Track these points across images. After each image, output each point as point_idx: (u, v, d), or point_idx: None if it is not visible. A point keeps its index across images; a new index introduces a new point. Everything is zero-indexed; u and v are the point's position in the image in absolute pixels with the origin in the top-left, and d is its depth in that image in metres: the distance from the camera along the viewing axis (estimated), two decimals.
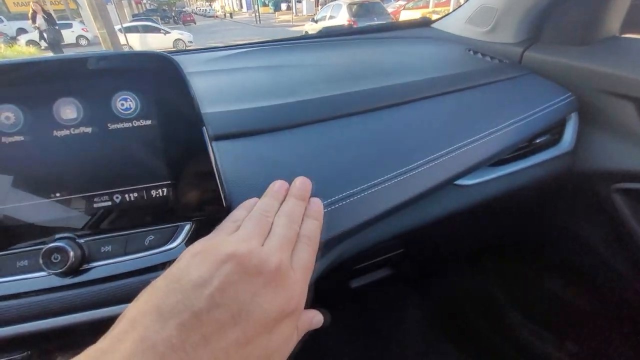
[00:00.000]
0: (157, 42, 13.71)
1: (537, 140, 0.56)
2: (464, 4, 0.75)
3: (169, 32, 14.25)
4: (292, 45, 0.73)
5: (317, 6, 25.20)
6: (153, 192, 0.30)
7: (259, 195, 0.33)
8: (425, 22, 0.85)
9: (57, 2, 21.50)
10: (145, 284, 0.27)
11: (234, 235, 0.26)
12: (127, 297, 0.30)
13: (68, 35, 16.15)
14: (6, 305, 0.28)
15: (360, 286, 0.60)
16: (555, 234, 0.71)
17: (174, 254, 0.30)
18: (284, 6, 34.23)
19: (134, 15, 25.45)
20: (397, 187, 0.40)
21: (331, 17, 9.18)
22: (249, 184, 0.36)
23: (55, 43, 8.61)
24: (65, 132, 0.29)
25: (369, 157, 0.41)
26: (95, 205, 0.29)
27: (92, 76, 0.29)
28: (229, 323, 0.20)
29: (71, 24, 16.74)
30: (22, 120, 0.28)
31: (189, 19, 29.85)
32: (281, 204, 0.31)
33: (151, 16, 23.07)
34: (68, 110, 0.29)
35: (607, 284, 0.66)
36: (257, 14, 25.35)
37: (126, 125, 0.29)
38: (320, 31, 0.86)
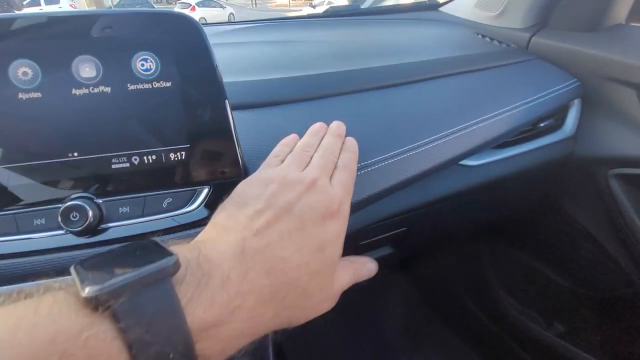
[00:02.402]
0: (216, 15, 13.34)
1: (541, 125, 0.57)
2: None
3: (224, 8, 13.81)
4: (300, 23, 0.72)
5: None
6: (171, 155, 0.30)
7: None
8: (432, 6, 0.85)
9: None
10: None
11: (277, 167, 0.30)
12: None
13: (54, 11, 15.50)
14: (22, 262, 0.28)
15: None
16: (551, 217, 0.73)
17: (192, 216, 0.31)
18: None
19: None
20: (406, 162, 0.40)
21: (329, 2, 9.02)
22: (265, 153, 0.36)
23: None
24: (84, 90, 0.28)
25: (380, 132, 0.42)
26: (113, 167, 0.29)
27: (112, 34, 0.28)
28: (285, 215, 0.24)
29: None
30: (40, 76, 0.27)
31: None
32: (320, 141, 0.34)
33: None
34: (87, 69, 0.28)
35: (600, 267, 0.68)
36: None
37: (146, 86, 0.29)
38: (326, 11, 0.84)
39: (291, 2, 24.98)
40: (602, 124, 0.58)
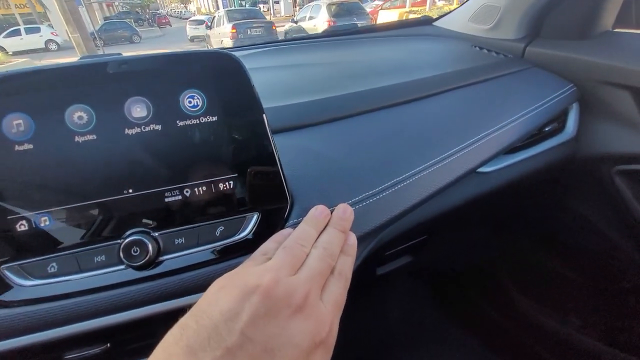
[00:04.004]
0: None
1: (545, 129, 0.61)
2: (465, 2, 0.79)
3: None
4: (304, 45, 0.75)
5: (295, 7, 25.19)
6: (221, 185, 0.32)
7: (306, 187, 0.35)
8: (426, 21, 0.89)
9: (22, 6, 20.51)
10: (219, 272, 0.28)
11: (262, 265, 0.25)
12: (202, 287, 0.31)
13: (36, 40, 15.46)
14: (86, 300, 0.29)
15: (384, 273, 0.63)
16: (560, 214, 0.76)
17: (245, 243, 0.32)
18: (261, 7, 34.02)
19: (105, 18, 24.64)
20: (433, 176, 0.42)
21: (311, 18, 9.20)
22: (297, 175, 0.38)
23: None
24: (136, 130, 0.29)
25: (404, 148, 0.44)
26: (166, 200, 0.30)
27: (161, 75, 0.30)
28: (262, 357, 0.20)
29: (39, 27, 16.02)
30: (95, 119, 0.29)
31: (164, 21, 29.21)
32: (320, 232, 0.30)
33: (124, 19, 22.35)
34: (138, 109, 0.30)
35: (610, 259, 0.71)
36: None
37: (193, 121, 0.31)
38: (326, 30, 0.87)
39: (272, 18, 25.43)
40: (601, 124, 0.62)
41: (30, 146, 0.28)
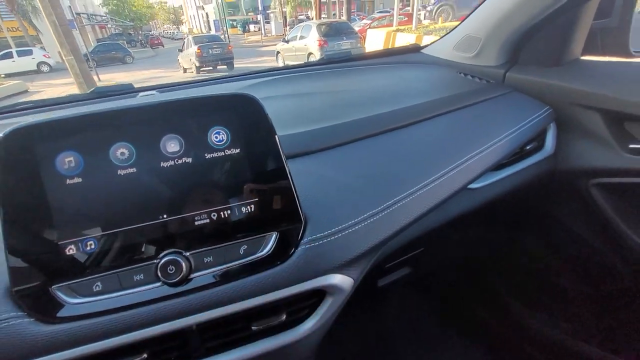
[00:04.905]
0: None
1: (527, 148, 0.67)
2: (448, 32, 0.87)
3: None
4: (304, 74, 0.81)
5: (286, 26, 25.83)
6: (243, 209, 0.36)
7: (317, 208, 0.39)
8: (415, 48, 0.96)
9: (15, 29, 20.64)
10: (244, 286, 0.32)
11: None
12: (230, 299, 0.35)
13: (28, 63, 15.53)
14: (128, 315, 0.32)
15: (385, 285, 0.67)
16: (545, 224, 0.82)
17: (266, 259, 0.36)
18: (252, 27, 34.82)
19: (98, 40, 24.87)
20: (430, 193, 0.47)
21: (302, 37, 9.44)
22: (308, 197, 0.42)
23: None
24: (170, 162, 0.34)
25: (404, 169, 0.49)
26: (196, 223, 0.35)
27: (192, 116, 0.35)
28: None
29: (31, 50, 16.12)
30: (135, 154, 0.33)
31: (156, 42, 29.65)
32: None
33: (117, 40, 22.64)
34: (172, 145, 0.34)
35: (593, 265, 0.76)
36: (227, 35, 25.60)
37: (219, 154, 0.35)
38: (322, 58, 0.94)
39: (263, 38, 25.99)
40: (576, 142, 0.68)
41: (80, 180, 0.32)
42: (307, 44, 9.10)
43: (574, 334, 0.83)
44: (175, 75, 12.06)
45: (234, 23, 37.46)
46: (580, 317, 0.83)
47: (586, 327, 0.81)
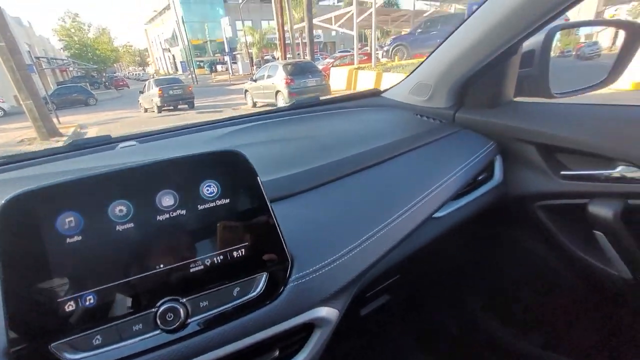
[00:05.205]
0: None
1: (479, 178, 0.76)
2: (405, 78, 0.98)
3: None
4: (277, 120, 0.88)
5: (252, 66, 26.72)
6: (235, 253, 0.39)
7: (301, 247, 0.43)
8: (376, 92, 1.08)
9: None
10: (238, 326, 0.35)
11: None
12: (225, 340, 0.37)
13: None
14: None
15: (367, 313, 0.70)
16: (504, 244, 0.91)
17: (257, 299, 0.39)
18: (219, 67, 35.65)
19: (58, 84, 24.20)
20: (400, 225, 0.53)
21: (269, 76, 9.82)
22: (293, 238, 0.46)
23: None
24: (165, 215, 0.37)
25: (375, 205, 0.55)
26: (191, 270, 0.37)
27: (186, 172, 0.39)
28: None
29: None
30: (132, 210, 0.36)
31: (121, 83, 29.41)
32: None
33: (79, 83, 22.12)
34: (167, 199, 0.38)
35: (547, 278, 0.85)
36: (194, 75, 25.95)
37: (210, 205, 0.39)
38: (292, 104, 1.02)
39: (231, 77, 26.61)
40: (520, 170, 0.79)
41: (79, 238, 0.34)
42: (275, 82, 9.47)
43: (543, 345, 0.89)
44: (140, 115, 12.03)
45: (201, 64, 38.19)
46: (545, 328, 0.90)
47: (552, 338, 0.88)
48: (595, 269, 0.71)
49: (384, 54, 14.41)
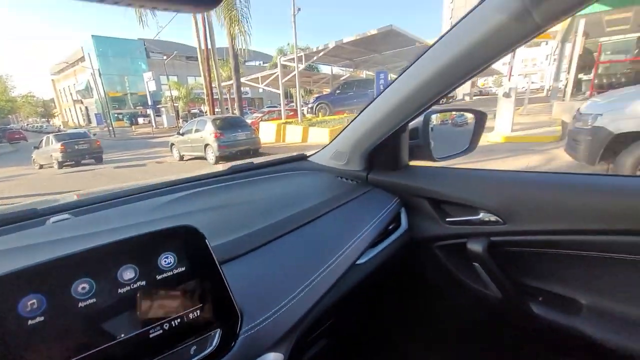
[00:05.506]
0: None
1: (390, 227, 0.94)
2: (326, 145, 1.18)
3: None
4: (217, 186, 0.97)
5: (179, 119, 26.10)
6: (191, 315, 0.46)
7: (249, 301, 0.52)
8: (302, 157, 1.25)
9: None
10: None
11: None
12: None
13: None
14: None
15: (309, 357, 0.77)
16: (415, 282, 1.08)
17: (213, 354, 0.45)
18: (141, 120, 33.91)
19: None
20: (330, 274, 0.64)
21: (197, 130, 9.76)
22: (241, 294, 0.54)
23: None
24: (127, 288, 0.43)
25: (308, 259, 0.66)
26: (151, 336, 0.42)
27: (145, 247, 0.45)
28: None
29: None
30: (95, 287, 0.41)
31: (17, 136, 25.65)
32: None
33: None
34: (128, 273, 0.43)
35: (445, 303, 1.04)
36: (111, 128, 24.13)
37: (168, 274, 0.46)
38: (230, 168, 1.12)
39: (155, 130, 25.44)
40: (420, 219, 1.00)
41: (42, 319, 0.38)
42: (204, 136, 9.42)
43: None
44: (39, 173, 10.58)
45: (120, 116, 35.90)
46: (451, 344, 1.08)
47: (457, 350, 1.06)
48: (478, 292, 0.91)
49: (309, 110, 15.68)
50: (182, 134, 10.42)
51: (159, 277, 0.45)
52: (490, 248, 0.85)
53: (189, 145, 10.09)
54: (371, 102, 0.97)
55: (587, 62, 9.26)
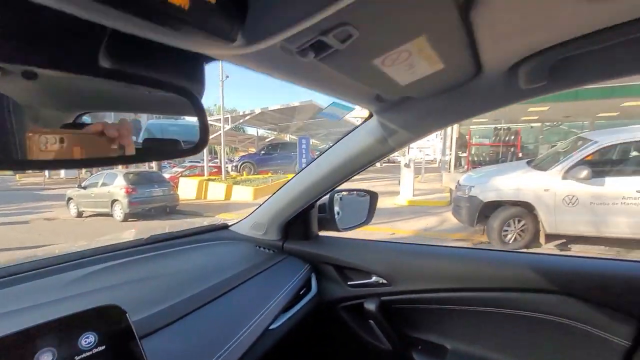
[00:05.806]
0: None
1: (301, 292, 1.06)
2: (247, 216, 1.29)
3: None
4: (137, 259, 0.97)
5: (80, 169, 23.05)
6: None
7: None
8: (224, 226, 1.33)
9: None
10: None
11: None
12: None
13: None
14: None
15: None
16: (324, 343, 1.19)
17: None
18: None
19: None
20: (246, 339, 0.72)
21: (104, 184, 8.80)
22: None
23: None
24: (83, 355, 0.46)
25: (230, 324, 0.73)
26: None
27: (65, 329, 0.49)
28: None
29: None
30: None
31: None
32: None
33: None
34: (46, 356, 0.47)
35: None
36: None
37: (87, 354, 0.50)
38: (149, 237, 1.14)
39: (47, 179, 21.83)
40: (326, 283, 1.15)
41: None
42: (112, 190, 8.50)
43: None
44: None
45: None
46: None
47: None
48: (374, 346, 1.07)
49: (233, 168, 15.66)
50: (85, 187, 9.23)
51: (77, 358, 0.48)
52: (381, 306, 1.03)
53: (91, 200, 8.93)
54: (287, 182, 1.15)
55: (463, 142, 11.82)
